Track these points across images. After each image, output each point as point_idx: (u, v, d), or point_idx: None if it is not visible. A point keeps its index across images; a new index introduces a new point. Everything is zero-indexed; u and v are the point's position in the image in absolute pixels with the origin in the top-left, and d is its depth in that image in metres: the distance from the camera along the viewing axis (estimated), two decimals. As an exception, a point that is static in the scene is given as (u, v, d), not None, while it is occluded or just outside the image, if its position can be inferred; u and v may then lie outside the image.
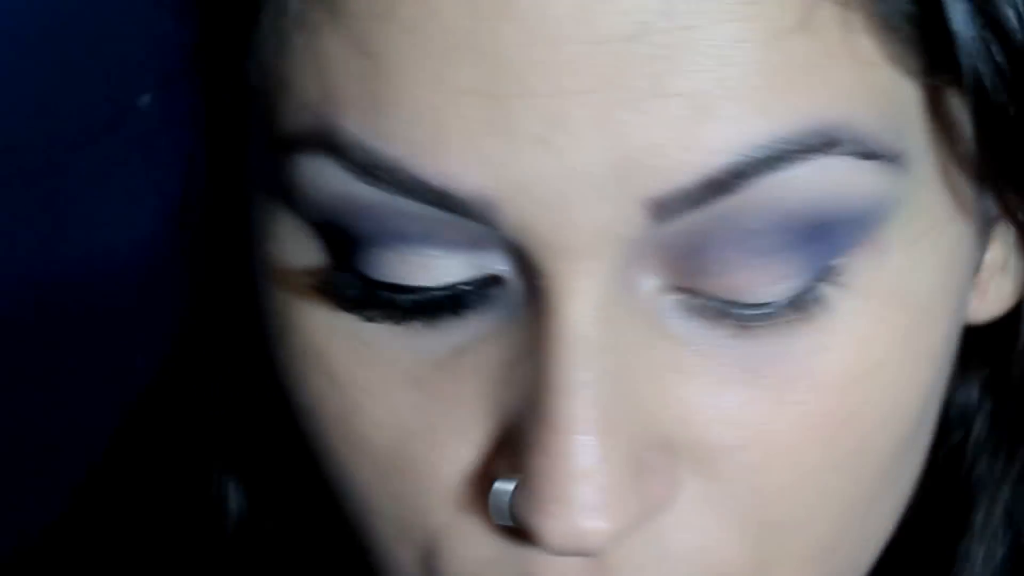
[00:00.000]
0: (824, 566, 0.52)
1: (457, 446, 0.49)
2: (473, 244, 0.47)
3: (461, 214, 0.46)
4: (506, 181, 0.45)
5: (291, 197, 0.49)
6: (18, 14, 0.95)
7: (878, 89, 0.47)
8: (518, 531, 0.48)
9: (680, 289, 0.48)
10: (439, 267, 0.48)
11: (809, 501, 0.50)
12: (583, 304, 0.46)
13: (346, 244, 0.48)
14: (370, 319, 0.49)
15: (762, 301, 0.47)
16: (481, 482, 0.49)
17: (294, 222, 0.50)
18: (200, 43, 0.52)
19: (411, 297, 0.48)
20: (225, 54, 0.50)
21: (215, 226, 0.59)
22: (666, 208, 0.45)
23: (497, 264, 0.48)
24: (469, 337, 0.49)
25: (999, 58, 0.47)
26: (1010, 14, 0.47)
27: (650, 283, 0.48)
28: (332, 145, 0.47)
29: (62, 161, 0.94)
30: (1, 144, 0.94)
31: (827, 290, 0.48)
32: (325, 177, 0.47)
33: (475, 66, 0.44)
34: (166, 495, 0.65)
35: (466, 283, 0.48)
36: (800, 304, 0.48)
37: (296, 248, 0.50)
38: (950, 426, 0.57)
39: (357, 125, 0.46)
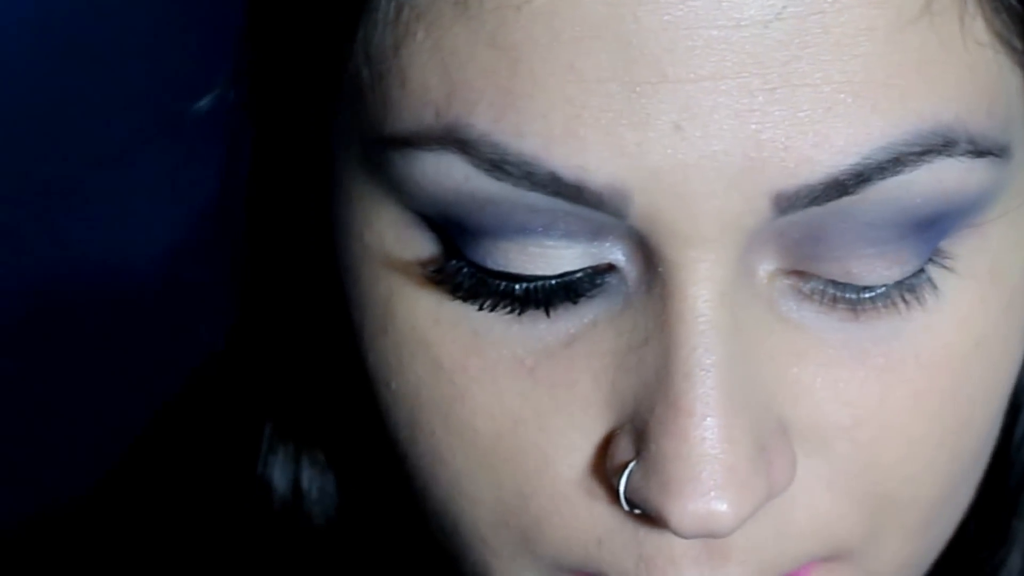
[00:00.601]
0: (924, 539, 0.53)
1: (570, 433, 0.50)
2: (595, 234, 0.47)
3: (593, 206, 0.46)
4: (640, 171, 0.45)
5: (402, 190, 0.48)
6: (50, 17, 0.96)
7: (988, 80, 0.47)
8: (630, 513, 0.49)
9: (793, 273, 0.48)
10: (557, 257, 0.48)
11: (917, 475, 0.51)
12: (707, 288, 0.47)
13: (461, 235, 0.48)
14: (481, 308, 0.49)
15: (873, 284, 0.48)
16: (597, 467, 0.50)
17: (400, 214, 0.50)
18: (267, 36, 0.52)
19: (526, 286, 0.48)
20: (319, 43, 0.50)
21: (265, 221, 0.59)
22: (790, 202, 0.46)
23: (615, 253, 0.48)
24: (581, 325, 0.49)
25: None
26: None
27: (767, 268, 0.48)
28: (459, 142, 0.46)
29: (86, 166, 0.95)
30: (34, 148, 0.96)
31: (934, 272, 0.49)
32: (449, 173, 0.47)
33: (610, 54, 0.44)
34: (210, 474, 0.65)
35: (581, 271, 0.48)
36: (909, 287, 0.49)
37: (402, 239, 0.50)
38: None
39: (487, 121, 0.46)
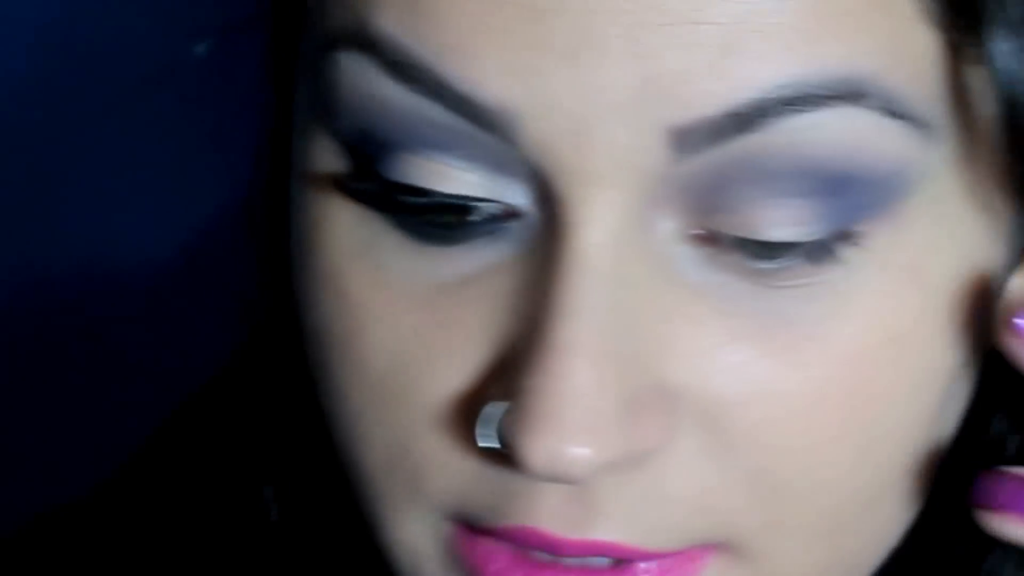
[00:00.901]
0: (832, 549, 0.51)
1: (448, 370, 0.49)
2: (495, 166, 0.48)
3: (483, 126, 0.47)
4: (531, 95, 0.46)
5: (328, 107, 0.50)
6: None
7: (912, 50, 0.47)
8: (505, 457, 0.48)
9: (700, 239, 0.48)
10: (458, 178, 0.48)
11: (818, 470, 0.49)
12: (597, 233, 0.47)
13: (374, 149, 0.49)
14: (384, 214, 0.49)
15: (778, 240, 0.47)
16: (470, 407, 0.49)
17: (330, 141, 0.51)
18: None
19: (425, 200, 0.49)
20: None
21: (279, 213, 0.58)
22: (688, 140, 0.46)
23: (517, 197, 0.48)
24: (480, 266, 0.49)
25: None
26: None
27: (668, 225, 0.48)
28: (366, 41, 0.48)
29: (79, 158, 0.94)
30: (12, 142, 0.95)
31: (846, 251, 0.48)
32: (361, 75, 0.48)
33: None
34: (214, 480, 0.65)
35: (482, 200, 0.48)
36: (817, 258, 0.48)
37: (325, 159, 0.51)
38: (986, 454, 0.55)
39: (391, 23, 0.47)
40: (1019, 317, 0.50)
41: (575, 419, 0.46)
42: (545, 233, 0.48)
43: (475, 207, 0.49)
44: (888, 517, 0.53)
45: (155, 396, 0.68)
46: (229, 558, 0.64)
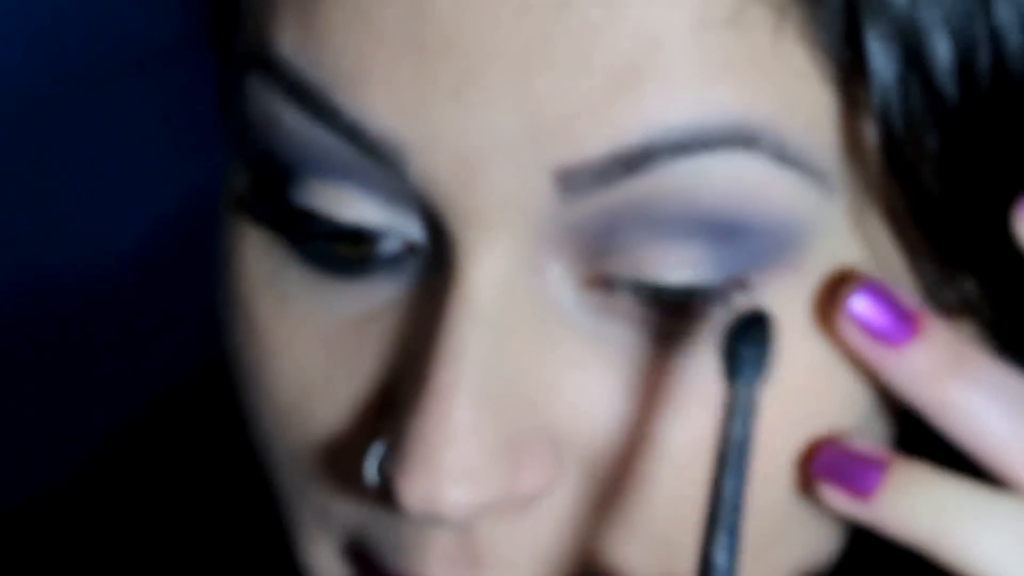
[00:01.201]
0: None
1: (345, 405, 0.50)
2: (391, 197, 0.48)
3: (372, 155, 0.47)
4: (417, 130, 0.46)
5: (240, 125, 0.50)
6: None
7: (807, 101, 0.46)
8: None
9: (594, 284, 0.47)
10: (358, 207, 0.48)
11: (698, 527, 0.48)
12: (484, 275, 0.46)
13: (277, 175, 0.49)
14: (289, 252, 0.50)
15: (670, 284, 0.47)
16: (365, 443, 0.49)
17: (243, 166, 0.51)
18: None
19: (325, 226, 0.49)
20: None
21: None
22: (575, 181, 0.45)
23: (414, 230, 0.48)
24: (380, 302, 0.49)
25: (916, 99, 0.46)
26: (940, 52, 0.46)
27: (559, 269, 0.47)
28: (267, 63, 0.48)
29: (57, 156, 0.94)
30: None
31: (742, 301, 0.47)
32: (263, 97, 0.48)
33: (402, 14, 0.45)
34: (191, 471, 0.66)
35: (381, 230, 0.48)
36: (712, 308, 0.47)
37: (238, 181, 0.51)
38: None
39: (288, 46, 0.47)
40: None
41: (450, 461, 0.46)
42: (437, 271, 0.48)
43: (376, 238, 0.49)
44: (792, 556, 0.52)
45: (120, 393, 0.68)
46: (194, 552, 0.64)
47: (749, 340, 0.46)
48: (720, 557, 0.46)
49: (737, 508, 0.46)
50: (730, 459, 0.46)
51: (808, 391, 0.49)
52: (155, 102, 0.60)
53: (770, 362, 0.46)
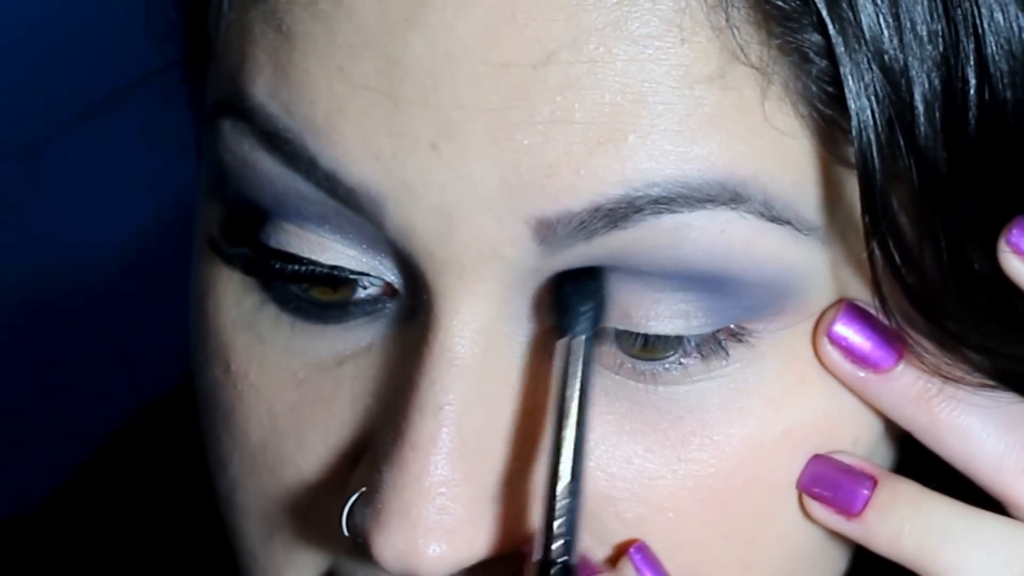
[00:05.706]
0: None
1: (323, 452, 0.49)
2: (368, 243, 0.47)
3: (349, 205, 0.46)
4: (394, 180, 0.45)
5: (215, 168, 0.49)
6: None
7: (793, 158, 0.46)
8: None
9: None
10: (335, 250, 0.48)
11: (699, 567, 0.48)
12: (463, 326, 0.46)
13: (253, 219, 0.49)
14: (265, 295, 0.49)
15: (658, 334, 0.46)
16: (339, 489, 0.48)
17: (217, 204, 0.51)
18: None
19: (300, 268, 0.48)
20: (192, 18, 0.52)
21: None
22: (555, 233, 0.45)
23: (389, 274, 0.48)
24: (357, 346, 0.49)
25: (897, 151, 0.45)
26: (920, 106, 0.45)
27: (539, 319, 0.47)
28: (242, 110, 0.47)
29: (46, 152, 0.94)
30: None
31: (737, 349, 0.47)
32: (238, 143, 0.48)
33: (378, 66, 0.45)
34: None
35: (359, 274, 0.48)
36: (706, 355, 0.47)
37: (212, 223, 0.51)
38: None
39: (265, 93, 0.47)
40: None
41: (428, 517, 0.46)
42: (415, 317, 0.47)
43: (353, 283, 0.48)
44: None
45: (105, 402, 0.68)
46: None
47: (582, 293, 0.46)
48: (563, 501, 0.46)
49: (580, 457, 0.46)
50: (567, 410, 0.46)
51: (818, 430, 0.49)
52: (139, 114, 0.60)
53: (602, 315, 0.46)
